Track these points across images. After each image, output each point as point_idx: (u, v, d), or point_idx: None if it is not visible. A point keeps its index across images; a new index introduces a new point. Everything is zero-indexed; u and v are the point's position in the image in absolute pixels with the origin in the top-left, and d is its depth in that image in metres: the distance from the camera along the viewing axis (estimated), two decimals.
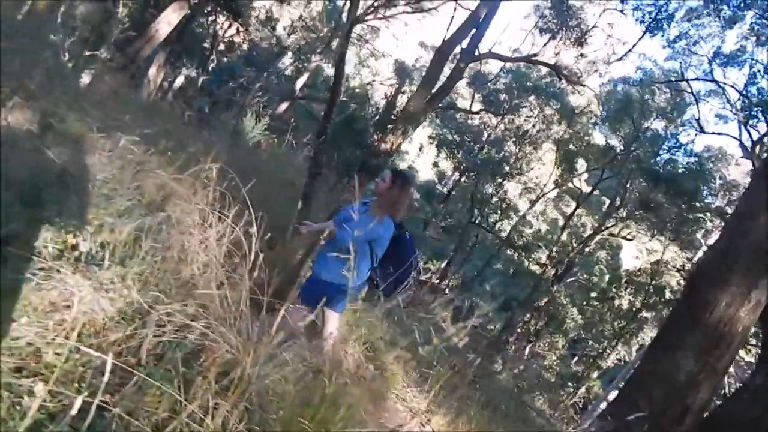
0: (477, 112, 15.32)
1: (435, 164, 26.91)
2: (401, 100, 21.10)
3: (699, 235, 16.35)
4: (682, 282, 13.75)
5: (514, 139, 19.77)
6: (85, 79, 6.93)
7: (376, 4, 19.62)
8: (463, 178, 20.02)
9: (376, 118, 12.70)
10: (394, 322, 5.33)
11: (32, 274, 1.55)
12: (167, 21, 7.98)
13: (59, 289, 1.56)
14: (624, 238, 18.95)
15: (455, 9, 12.01)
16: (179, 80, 23.55)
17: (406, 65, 22.61)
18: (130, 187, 2.25)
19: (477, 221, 20.56)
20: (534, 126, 18.93)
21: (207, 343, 1.69)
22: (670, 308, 14.54)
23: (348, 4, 19.96)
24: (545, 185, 19.59)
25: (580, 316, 17.08)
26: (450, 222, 20.18)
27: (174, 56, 18.37)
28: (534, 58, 12.06)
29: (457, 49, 11.32)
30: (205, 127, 8.18)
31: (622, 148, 14.52)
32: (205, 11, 16.16)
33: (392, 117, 12.59)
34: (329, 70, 23.55)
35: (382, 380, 3.66)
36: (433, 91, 11.44)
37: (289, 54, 22.65)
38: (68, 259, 1.71)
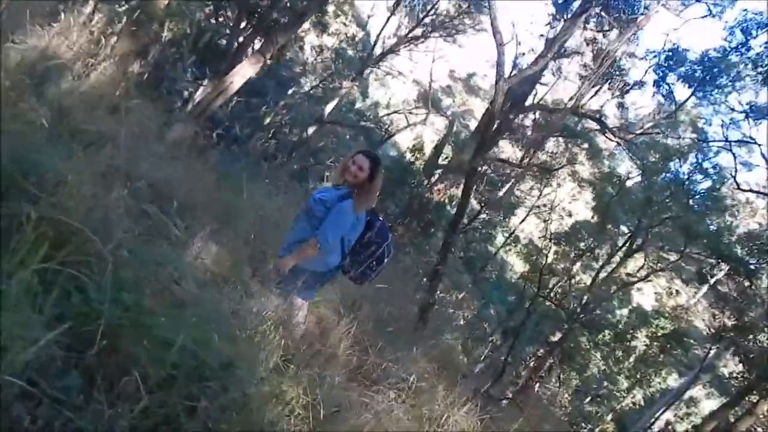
0: (525, 167, 15.33)
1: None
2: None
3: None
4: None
5: (537, 174, 19.85)
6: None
7: (410, 35, 19.72)
8: (483, 214, 20.13)
9: (421, 165, 12.70)
10: None
11: None
12: (242, 74, 7.95)
13: None
14: (640, 279, 18.96)
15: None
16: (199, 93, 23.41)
17: (429, 92, 22.60)
18: None
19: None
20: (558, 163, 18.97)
21: None
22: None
23: (382, 32, 20.06)
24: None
25: (602, 362, 17.16)
26: (471, 255, 20.22)
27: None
28: (581, 111, 12.17)
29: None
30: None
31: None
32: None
33: (438, 164, 12.63)
34: (355, 94, 23.54)
35: None
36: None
37: (313, 76, 22.57)
38: None
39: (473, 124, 29.85)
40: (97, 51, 4.01)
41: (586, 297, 13.63)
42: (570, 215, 20.95)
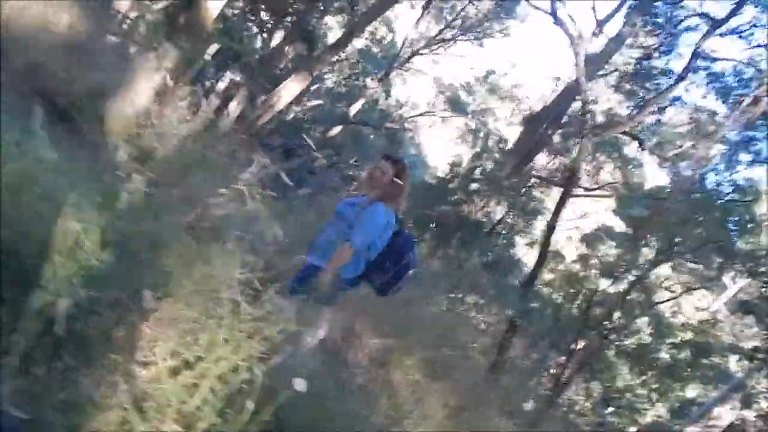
0: (553, 180, 15.06)
1: None
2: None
3: None
4: None
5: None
6: None
7: (437, 37, 19.46)
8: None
9: (454, 179, 12.45)
10: None
11: None
12: (290, 91, 7.82)
13: None
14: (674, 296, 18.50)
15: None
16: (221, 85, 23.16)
17: (457, 97, 22.41)
18: None
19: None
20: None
21: None
22: None
23: (408, 35, 19.79)
24: None
25: (630, 376, 17.00)
26: (492, 259, 20.04)
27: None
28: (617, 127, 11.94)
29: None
30: None
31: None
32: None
33: (474, 180, 12.44)
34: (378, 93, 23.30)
35: None
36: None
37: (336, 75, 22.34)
38: None
39: (492, 124, 29.58)
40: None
41: (617, 312, 13.47)
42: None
